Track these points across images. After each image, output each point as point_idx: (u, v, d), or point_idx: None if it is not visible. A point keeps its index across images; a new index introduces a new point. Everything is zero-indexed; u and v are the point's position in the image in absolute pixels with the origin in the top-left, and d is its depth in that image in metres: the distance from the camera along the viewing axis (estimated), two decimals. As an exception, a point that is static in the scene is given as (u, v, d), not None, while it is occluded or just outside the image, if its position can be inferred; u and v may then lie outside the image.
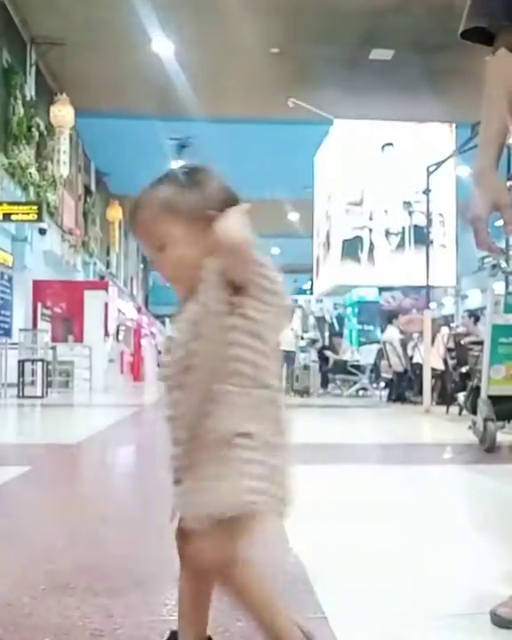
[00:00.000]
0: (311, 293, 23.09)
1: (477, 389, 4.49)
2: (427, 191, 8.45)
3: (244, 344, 0.98)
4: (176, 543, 1.05)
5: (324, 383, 12.48)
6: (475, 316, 9.14)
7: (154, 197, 1.05)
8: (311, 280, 20.16)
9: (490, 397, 4.25)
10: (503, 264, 5.08)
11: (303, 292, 34.41)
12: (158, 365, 1.24)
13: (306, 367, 11.91)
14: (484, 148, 1.40)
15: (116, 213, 19.30)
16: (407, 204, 13.14)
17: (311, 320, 20.22)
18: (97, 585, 1.59)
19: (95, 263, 18.03)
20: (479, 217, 1.34)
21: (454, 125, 12.89)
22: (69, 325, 12.78)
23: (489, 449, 4.08)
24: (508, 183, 1.47)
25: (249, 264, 0.96)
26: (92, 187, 18.09)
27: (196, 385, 0.99)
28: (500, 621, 1.31)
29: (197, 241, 1.01)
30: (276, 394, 1.01)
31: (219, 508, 0.94)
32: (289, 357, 11.51)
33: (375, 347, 11.77)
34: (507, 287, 6.20)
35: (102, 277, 18.32)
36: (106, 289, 14.16)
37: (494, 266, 4.29)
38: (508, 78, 1.38)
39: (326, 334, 16.06)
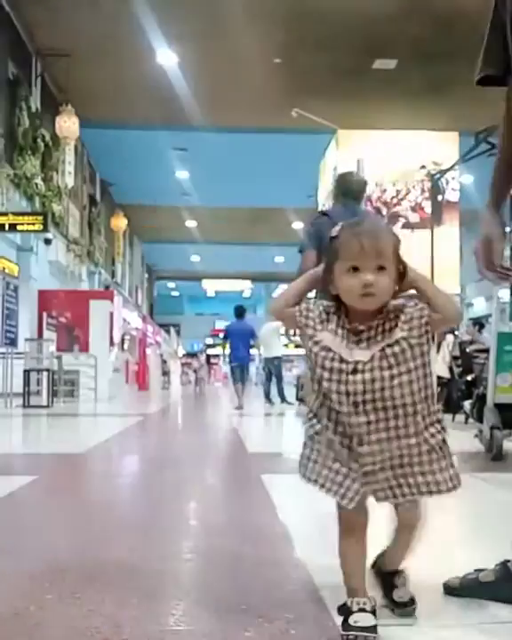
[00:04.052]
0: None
1: (483, 397, 4.47)
2: (432, 199, 8.47)
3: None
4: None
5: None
6: (479, 323, 9.13)
7: (393, 232, 1.37)
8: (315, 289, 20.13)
9: (496, 405, 4.24)
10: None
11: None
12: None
13: (311, 375, 11.81)
14: (491, 186, 1.61)
15: (120, 223, 19.30)
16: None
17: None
18: (104, 595, 1.59)
19: (100, 273, 18.08)
20: (476, 250, 1.58)
21: (458, 134, 12.91)
22: (74, 335, 12.78)
23: (495, 457, 4.07)
24: None
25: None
26: (97, 197, 18.17)
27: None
28: (446, 589, 1.60)
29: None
30: None
31: None
32: (274, 363, 11.36)
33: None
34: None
35: (107, 287, 18.36)
36: (111, 298, 14.17)
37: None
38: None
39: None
